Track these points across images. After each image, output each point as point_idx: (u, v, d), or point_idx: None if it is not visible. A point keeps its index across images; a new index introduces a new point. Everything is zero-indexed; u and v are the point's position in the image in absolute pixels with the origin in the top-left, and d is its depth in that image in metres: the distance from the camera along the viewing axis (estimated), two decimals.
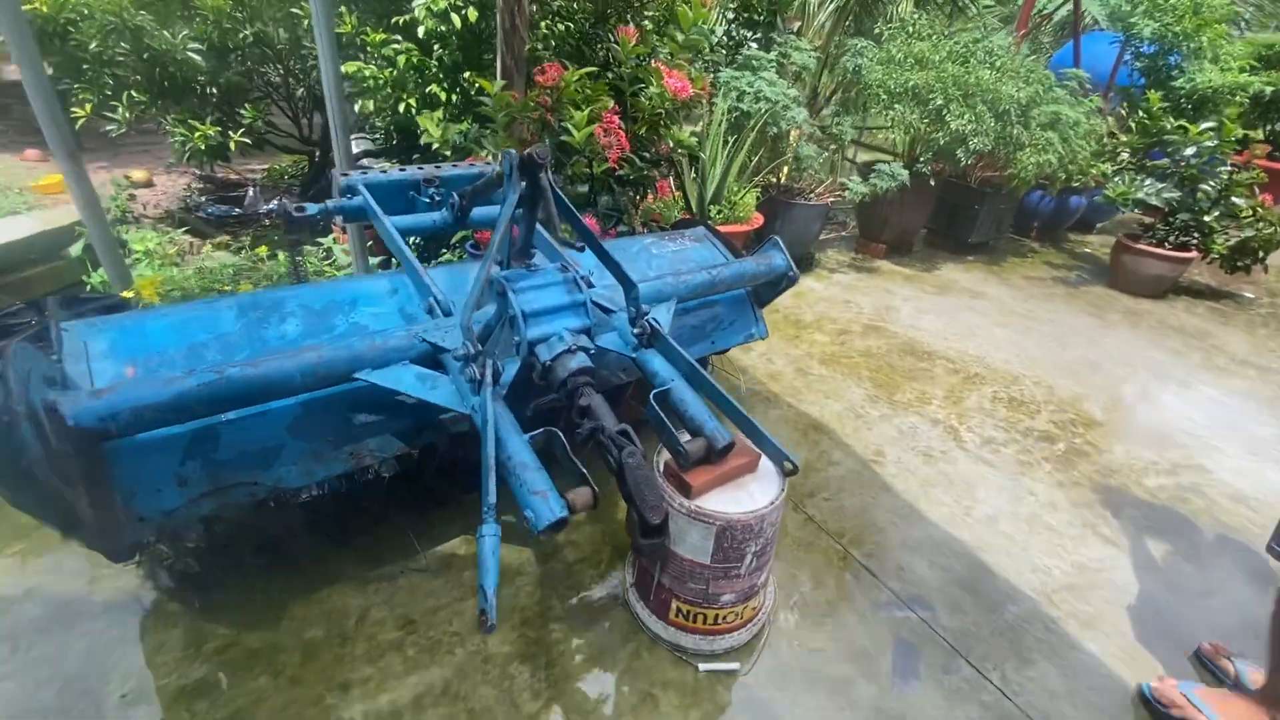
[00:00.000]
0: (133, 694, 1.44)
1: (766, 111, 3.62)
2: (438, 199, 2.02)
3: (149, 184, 5.55)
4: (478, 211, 1.99)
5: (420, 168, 2.07)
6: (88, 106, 3.74)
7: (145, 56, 3.70)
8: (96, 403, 1.11)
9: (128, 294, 3.10)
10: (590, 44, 3.33)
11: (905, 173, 3.99)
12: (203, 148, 3.75)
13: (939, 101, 3.93)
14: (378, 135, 4.24)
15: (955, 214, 4.87)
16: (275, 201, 5.32)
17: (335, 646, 1.59)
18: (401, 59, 3.48)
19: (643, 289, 1.76)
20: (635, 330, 1.63)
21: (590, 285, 1.72)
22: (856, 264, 4.64)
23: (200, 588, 1.66)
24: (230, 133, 3.88)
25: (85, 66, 3.72)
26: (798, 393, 2.90)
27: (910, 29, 4.26)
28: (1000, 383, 3.18)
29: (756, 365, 3.08)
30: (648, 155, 2.80)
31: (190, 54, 3.69)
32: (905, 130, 4.06)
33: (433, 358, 1.45)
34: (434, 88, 3.63)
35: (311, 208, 1.84)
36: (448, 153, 2.74)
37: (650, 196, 3.04)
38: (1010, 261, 5.04)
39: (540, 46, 3.24)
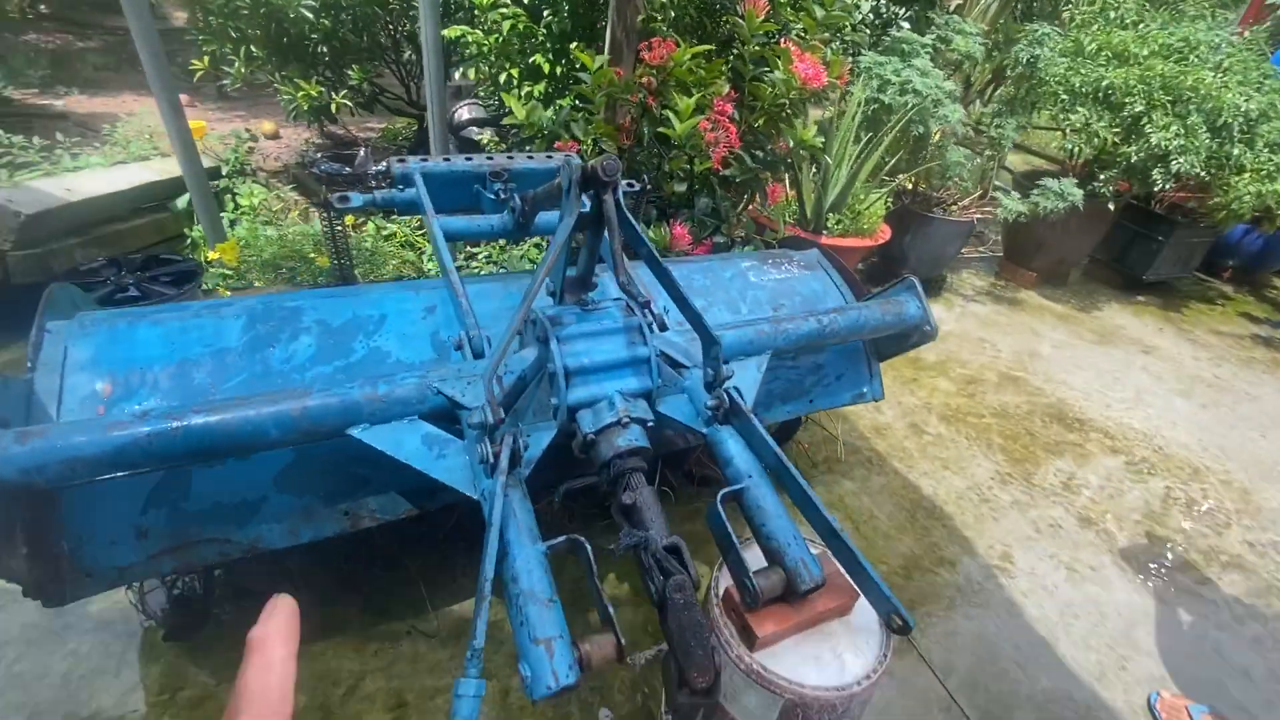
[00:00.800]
0: None
1: (914, 107, 3.04)
2: (504, 196, 1.71)
3: (276, 136, 5.71)
4: (544, 217, 1.67)
5: (490, 157, 1.77)
6: (205, 59, 3.78)
7: (264, 11, 3.66)
8: (19, 450, 0.89)
9: (213, 255, 3.08)
10: (713, 16, 2.89)
11: (1079, 192, 3.26)
12: (305, 107, 3.70)
13: (1138, 107, 3.16)
14: (490, 102, 4.00)
15: (1131, 244, 4.02)
16: (384, 163, 5.33)
17: None
18: (507, 24, 3.20)
19: (729, 338, 1.38)
20: (711, 401, 1.25)
21: (663, 327, 1.36)
22: (996, 292, 3.95)
23: (192, 620, 1.49)
24: (334, 94, 3.80)
25: (210, 18, 3.74)
26: (908, 457, 2.40)
27: (1113, 12, 3.46)
28: (1177, 476, 2.51)
29: (859, 413, 2.60)
30: (761, 154, 2.36)
31: (303, 10, 3.61)
32: (1087, 139, 3.31)
33: (450, 413, 1.15)
34: (538, 58, 3.33)
35: (357, 199, 1.58)
36: (535, 137, 2.43)
37: (757, 201, 2.60)
38: (1194, 308, 4.13)
39: (658, 17, 2.85)
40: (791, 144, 2.30)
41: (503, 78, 3.52)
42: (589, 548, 1.01)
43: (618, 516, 1.11)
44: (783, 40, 2.35)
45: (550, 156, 1.83)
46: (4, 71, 6.22)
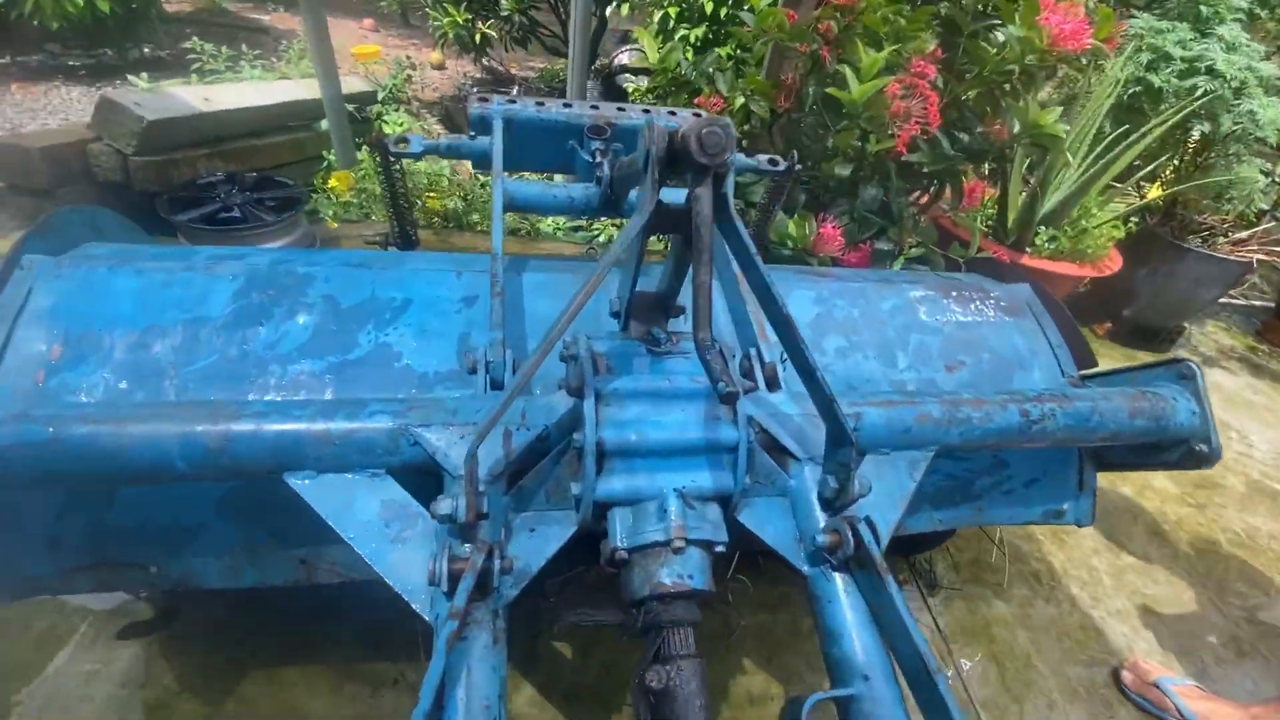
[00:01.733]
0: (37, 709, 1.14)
1: (1203, 96, 2.18)
2: (600, 159, 1.30)
3: (441, 67, 5.69)
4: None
5: (595, 105, 1.36)
6: None
7: None
8: None
9: (333, 183, 3.00)
10: None
11: None
12: (451, 34, 3.50)
13: None
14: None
15: None
16: None
17: None
18: None
19: (870, 420, 0.90)
20: (825, 535, 0.78)
21: (773, 384, 0.91)
22: (1256, 359, 2.95)
23: (169, 611, 1.31)
24: (480, 23, 3.56)
25: None
26: (1095, 583, 1.75)
27: None
28: None
29: None
30: (967, 137, 1.74)
31: None
32: None
33: (432, 472, 0.79)
34: None
35: (417, 142, 1.25)
36: (673, 88, 1.98)
37: (946, 199, 1.98)
38: None
39: None
40: (1015, 129, 1.66)
41: (658, 16, 3.07)
42: None
43: (637, 699, 0.71)
44: None
45: (674, 114, 1.38)
46: None
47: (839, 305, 1.26)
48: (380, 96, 4.12)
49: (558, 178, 1.61)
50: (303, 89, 3.44)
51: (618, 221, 3.00)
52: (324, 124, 3.35)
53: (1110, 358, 2.75)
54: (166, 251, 1.10)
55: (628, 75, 4.35)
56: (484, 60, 5.34)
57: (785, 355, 1.09)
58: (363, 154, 3.26)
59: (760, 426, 0.87)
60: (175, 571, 0.92)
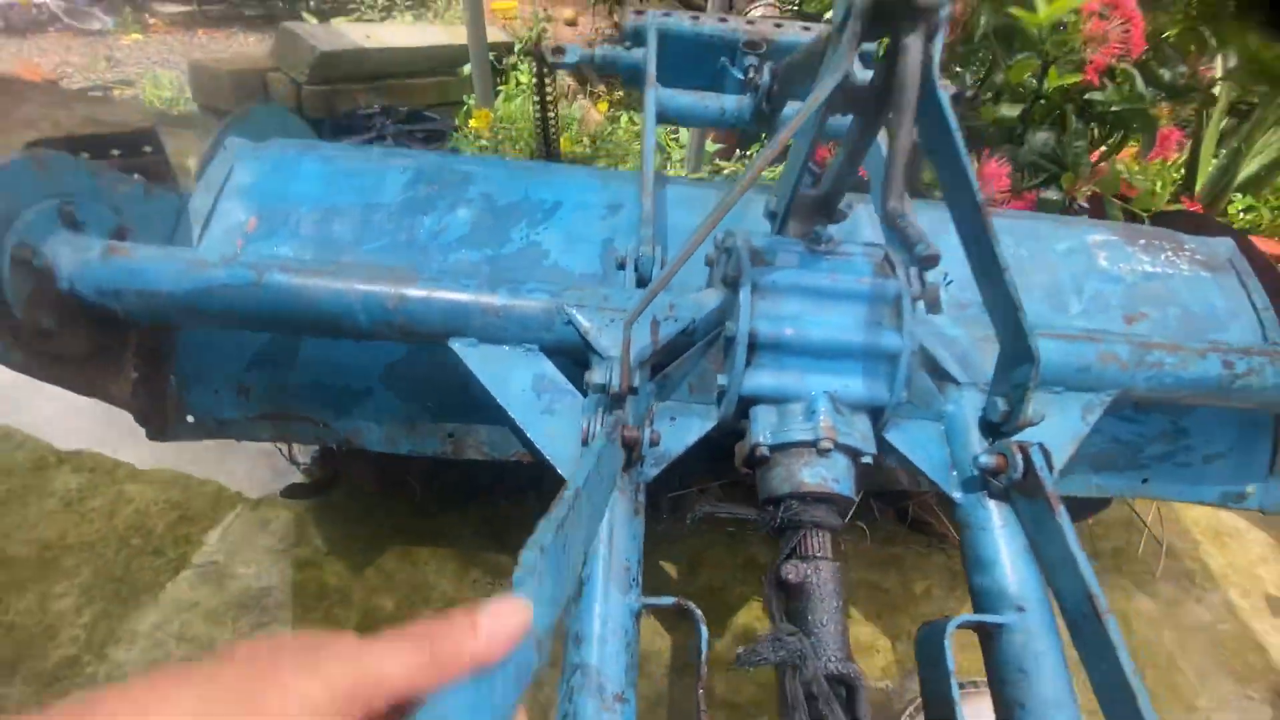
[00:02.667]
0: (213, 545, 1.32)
1: None
2: (754, 75, 1.25)
3: (573, 24, 5.77)
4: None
5: (751, 22, 1.31)
6: None
7: None
8: (100, 268, 0.77)
9: (473, 123, 3.12)
10: None
11: None
12: None
13: None
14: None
15: None
16: None
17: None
18: None
19: (1050, 351, 0.82)
20: (988, 456, 0.73)
21: (935, 305, 0.86)
22: None
23: (325, 484, 1.45)
24: None
25: None
26: (1258, 592, 1.54)
27: None
28: None
29: None
30: (1168, 75, 1.52)
31: None
32: None
33: (580, 353, 0.81)
34: None
35: (574, 52, 1.26)
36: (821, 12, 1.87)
37: (1129, 152, 1.75)
38: None
39: None
40: (1230, 63, 1.42)
41: None
42: (704, 629, 0.62)
43: (771, 592, 0.70)
44: None
45: None
46: None
47: (1005, 242, 1.13)
48: (516, 49, 4.23)
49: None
50: (450, 35, 3.59)
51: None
52: (467, 69, 3.49)
53: None
54: (345, 147, 1.20)
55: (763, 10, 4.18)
56: (615, 17, 5.32)
57: (948, 278, 1.03)
58: (508, 103, 3.37)
59: (922, 345, 0.82)
60: (342, 430, 1.01)
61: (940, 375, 0.83)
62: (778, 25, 1.29)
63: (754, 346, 0.74)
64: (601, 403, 0.72)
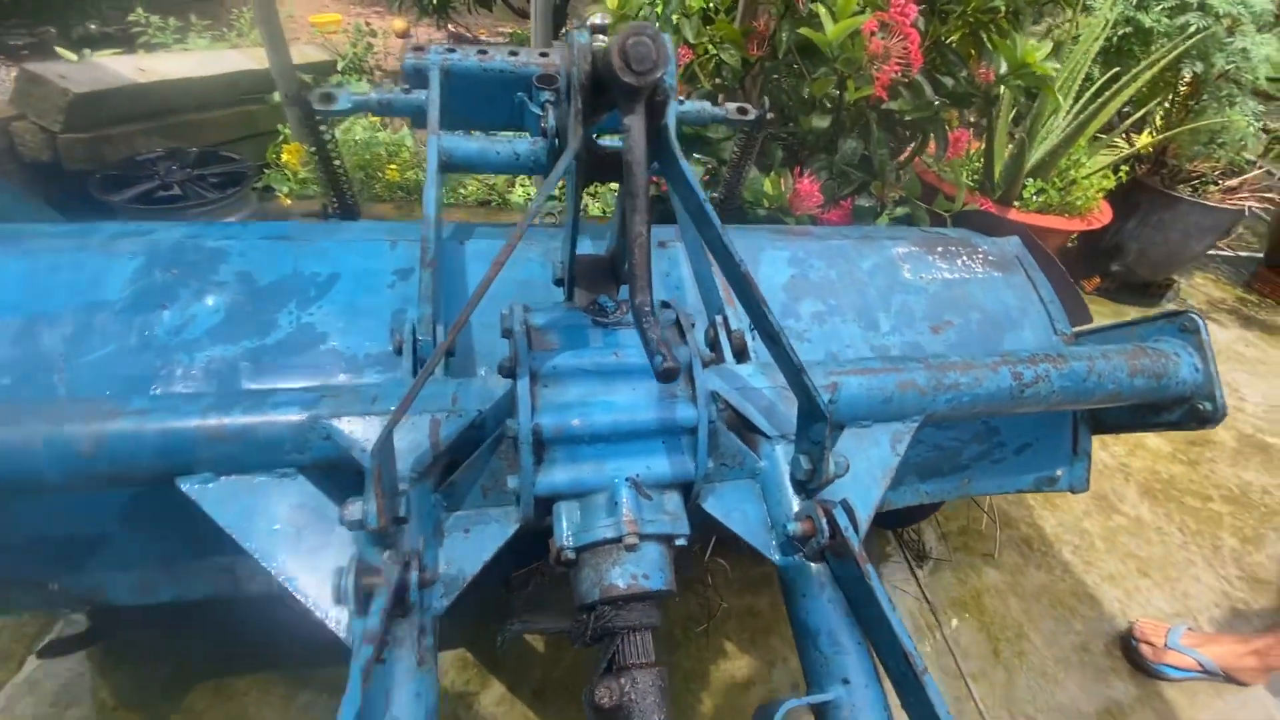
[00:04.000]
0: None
1: (1197, 34, 2.07)
2: (553, 114, 1.17)
3: (406, 34, 5.44)
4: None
5: (544, 53, 1.23)
6: None
7: None
8: None
9: (285, 157, 2.83)
10: None
11: None
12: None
13: None
14: None
15: None
16: None
17: None
18: None
19: (849, 390, 0.81)
20: (796, 524, 0.70)
21: (741, 353, 0.83)
22: (1245, 311, 2.89)
23: (106, 622, 1.21)
24: None
25: None
26: (1088, 548, 1.69)
27: None
28: None
29: None
30: (952, 82, 1.62)
31: None
32: None
33: (355, 469, 0.70)
34: None
35: (345, 98, 1.12)
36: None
37: (931, 150, 1.87)
38: None
39: None
40: (1002, 70, 1.54)
41: None
42: None
43: (589, 716, 0.62)
44: None
45: None
46: None
47: (816, 266, 1.16)
48: (340, 66, 3.91)
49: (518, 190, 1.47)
50: (253, 59, 3.23)
51: (613, 186, 2.86)
52: (277, 95, 3.16)
53: (1100, 314, 2.68)
54: (61, 230, 0.98)
55: (600, 38, 4.15)
56: (449, 26, 5.10)
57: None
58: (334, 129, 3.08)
59: (726, 403, 0.78)
60: (79, 588, 0.82)
61: (749, 428, 0.80)
62: None
63: (542, 442, 0.66)
64: (369, 540, 0.61)
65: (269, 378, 0.86)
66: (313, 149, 1.19)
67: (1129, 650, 1.44)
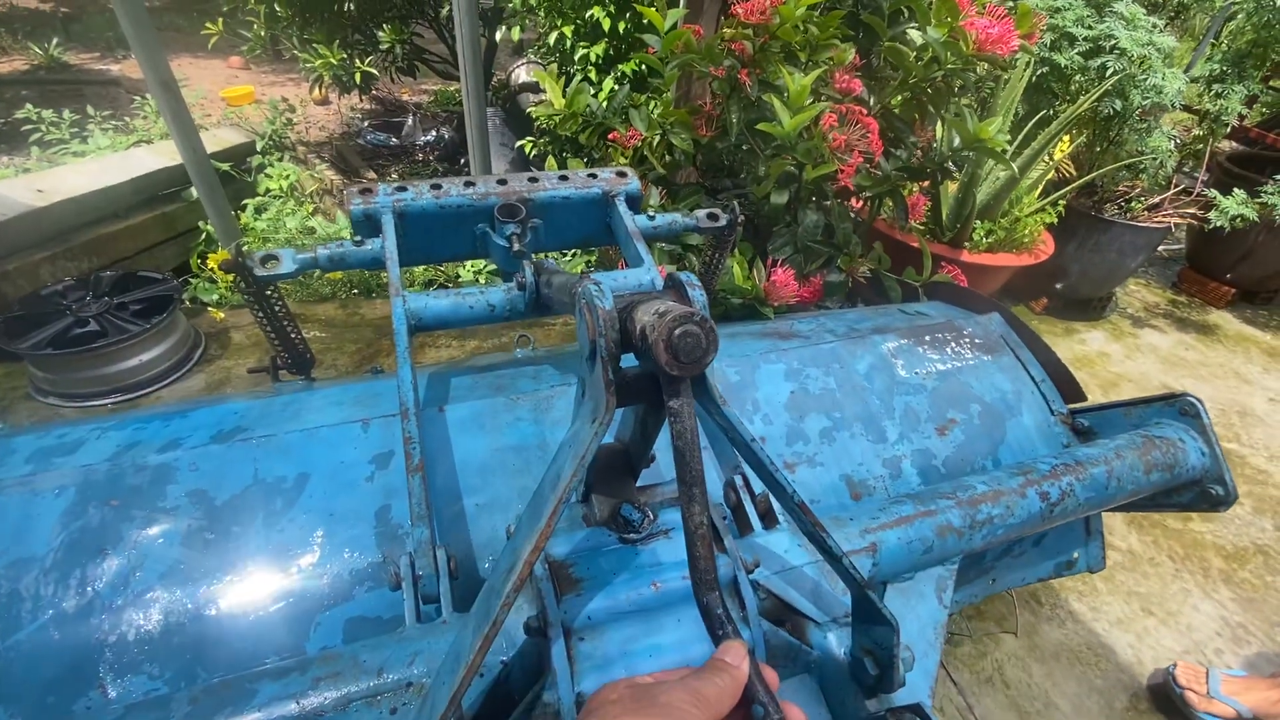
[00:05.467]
0: None
1: (1113, 75, 2.18)
2: (522, 245, 1.10)
3: (325, 102, 5.26)
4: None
5: (503, 180, 1.16)
6: (219, 21, 3.30)
7: None
8: None
9: (212, 263, 2.64)
10: None
11: None
12: (326, 76, 3.18)
13: None
14: (551, 59, 3.22)
15: None
16: (433, 133, 4.76)
17: None
18: None
19: (888, 547, 0.76)
20: None
21: (769, 519, 0.77)
22: (1179, 313, 3.05)
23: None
24: (359, 60, 3.25)
25: None
26: (1091, 592, 1.70)
27: None
28: None
29: None
30: (903, 153, 1.64)
31: None
32: None
33: None
34: (596, 11, 2.66)
35: (288, 259, 1.02)
36: (583, 126, 1.79)
37: (886, 213, 1.88)
38: None
39: None
40: (955, 142, 1.57)
41: (553, 37, 2.87)
42: None
43: None
44: None
45: (595, 175, 1.20)
46: (65, 34, 6.03)
47: (813, 376, 1.12)
48: (259, 145, 3.73)
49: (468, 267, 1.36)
50: (163, 155, 3.04)
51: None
52: (193, 191, 2.97)
53: (1050, 332, 2.78)
54: None
55: (529, 94, 4.11)
56: (372, 91, 4.98)
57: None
58: (263, 217, 2.90)
59: (767, 590, 0.72)
60: None
61: (795, 613, 0.73)
62: (533, 180, 1.16)
63: (584, 705, 0.58)
64: None
65: (242, 626, 0.74)
66: (259, 312, 1.08)
67: (1166, 697, 1.43)
